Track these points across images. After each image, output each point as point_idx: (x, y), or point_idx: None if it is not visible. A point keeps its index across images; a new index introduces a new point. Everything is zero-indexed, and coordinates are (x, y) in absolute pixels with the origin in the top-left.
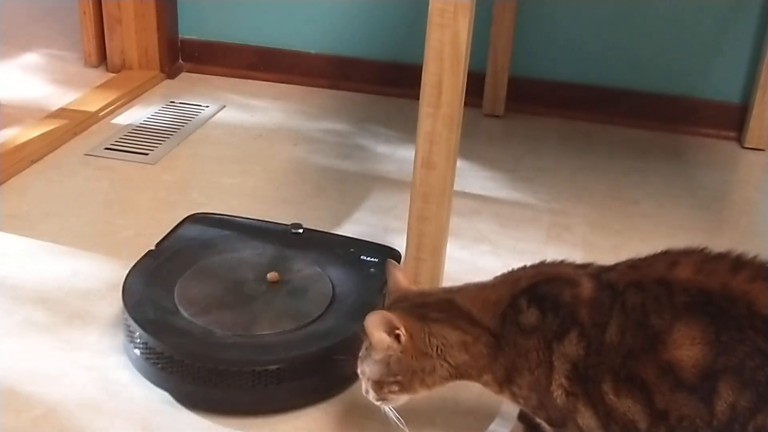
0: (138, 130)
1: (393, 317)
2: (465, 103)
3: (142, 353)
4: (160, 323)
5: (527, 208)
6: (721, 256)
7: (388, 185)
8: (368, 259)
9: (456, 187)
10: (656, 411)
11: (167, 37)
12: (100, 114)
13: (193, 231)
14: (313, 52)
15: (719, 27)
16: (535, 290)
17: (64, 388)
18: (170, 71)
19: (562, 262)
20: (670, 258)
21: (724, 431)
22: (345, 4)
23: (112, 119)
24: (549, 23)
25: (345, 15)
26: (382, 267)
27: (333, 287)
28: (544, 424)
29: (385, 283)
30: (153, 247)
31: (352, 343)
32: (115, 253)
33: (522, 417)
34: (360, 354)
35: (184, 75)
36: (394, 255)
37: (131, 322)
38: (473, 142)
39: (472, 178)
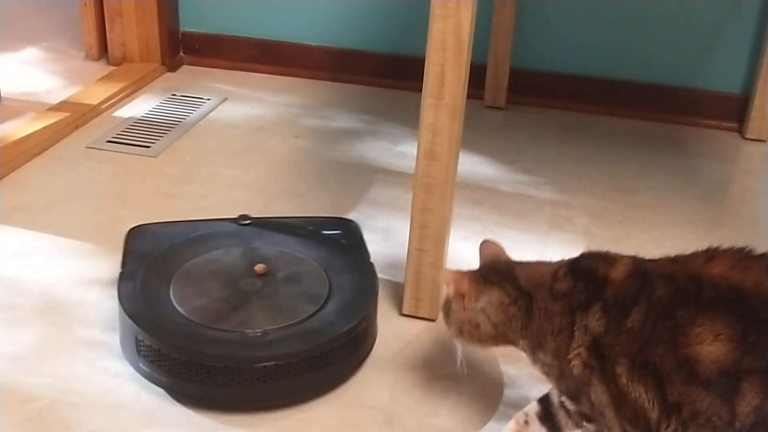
0: (139, 123)
1: (456, 277)
2: (467, 95)
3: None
4: (164, 328)
5: (529, 199)
6: (761, 256)
7: (389, 176)
8: (331, 232)
9: (458, 179)
10: (668, 403)
11: (168, 29)
12: (102, 107)
13: (147, 244)
14: (314, 44)
15: (720, 18)
16: (576, 263)
17: (66, 380)
18: (171, 64)
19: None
20: (709, 254)
21: None
22: None
23: (113, 112)
24: (550, 15)
25: (346, 7)
26: (347, 236)
27: (321, 265)
28: (566, 401)
29: (351, 247)
30: (121, 269)
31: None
32: (117, 245)
33: (542, 400)
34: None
35: (185, 68)
36: (351, 224)
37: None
38: (475, 134)
39: (473, 170)
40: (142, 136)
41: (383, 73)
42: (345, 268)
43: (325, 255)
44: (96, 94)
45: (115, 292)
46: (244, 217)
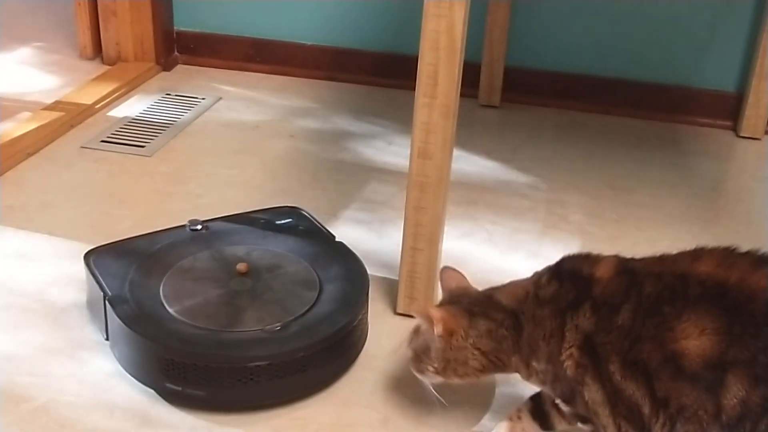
0: (134, 123)
1: (444, 316)
2: (461, 94)
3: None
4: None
5: (524, 197)
6: (745, 253)
7: (384, 175)
8: (284, 221)
9: (452, 177)
10: (656, 398)
11: (163, 28)
12: (96, 106)
13: (112, 266)
14: (309, 43)
15: (714, 16)
16: (558, 267)
17: (61, 380)
18: (166, 63)
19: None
20: (696, 253)
21: (734, 428)
22: None
23: (108, 111)
24: (544, 13)
25: (341, 6)
26: (302, 222)
27: (296, 254)
28: (561, 404)
29: (312, 231)
30: (105, 295)
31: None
32: None
33: (534, 397)
34: (414, 328)
35: (179, 67)
36: (298, 210)
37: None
38: (469, 133)
39: (468, 168)
40: (137, 135)
41: (378, 72)
42: (321, 252)
43: (294, 244)
44: (90, 94)
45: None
46: (194, 222)
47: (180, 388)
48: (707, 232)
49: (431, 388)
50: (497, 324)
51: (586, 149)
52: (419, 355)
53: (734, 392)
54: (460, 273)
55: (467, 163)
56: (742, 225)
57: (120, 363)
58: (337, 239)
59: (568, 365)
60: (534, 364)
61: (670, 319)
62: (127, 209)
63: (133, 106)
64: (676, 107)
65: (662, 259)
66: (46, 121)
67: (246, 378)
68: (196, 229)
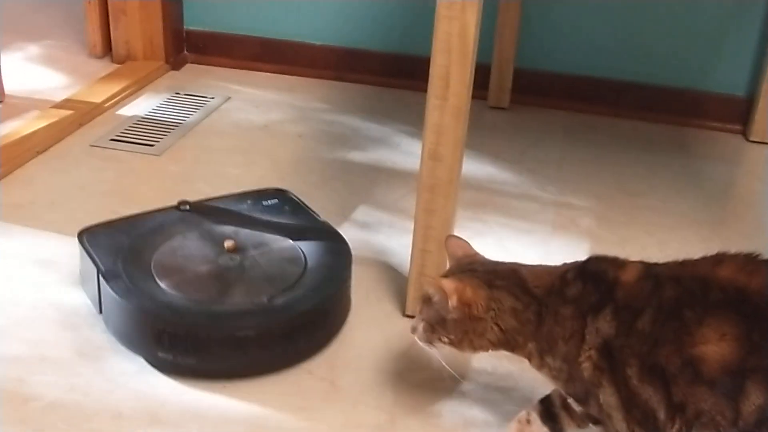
0: (143, 122)
1: (457, 287)
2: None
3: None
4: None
5: (533, 200)
6: (767, 260)
7: (393, 177)
8: (270, 202)
9: (461, 179)
10: (673, 403)
11: (172, 27)
12: (106, 105)
13: (105, 244)
14: (318, 43)
15: (725, 20)
16: (585, 266)
17: (69, 378)
18: (175, 62)
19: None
20: (717, 258)
21: None
22: None
23: (117, 110)
24: (554, 15)
25: (350, 6)
26: (287, 203)
27: (281, 233)
28: (573, 403)
29: (297, 212)
30: (98, 270)
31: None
32: None
33: (543, 400)
34: (423, 297)
35: (189, 66)
36: (284, 192)
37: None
38: (478, 134)
39: (477, 170)
40: (146, 134)
41: (387, 73)
42: (305, 229)
43: (279, 223)
44: (100, 92)
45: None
46: (183, 203)
47: (171, 357)
48: (717, 236)
49: (442, 361)
50: (524, 306)
51: (596, 152)
52: (432, 326)
53: (753, 399)
54: (465, 241)
55: (476, 165)
56: (751, 228)
57: (114, 335)
58: (321, 219)
59: (586, 367)
60: (549, 359)
61: (690, 324)
62: (136, 208)
63: (143, 105)
64: (686, 111)
65: (684, 264)
66: (56, 119)
67: (235, 347)
68: (186, 210)
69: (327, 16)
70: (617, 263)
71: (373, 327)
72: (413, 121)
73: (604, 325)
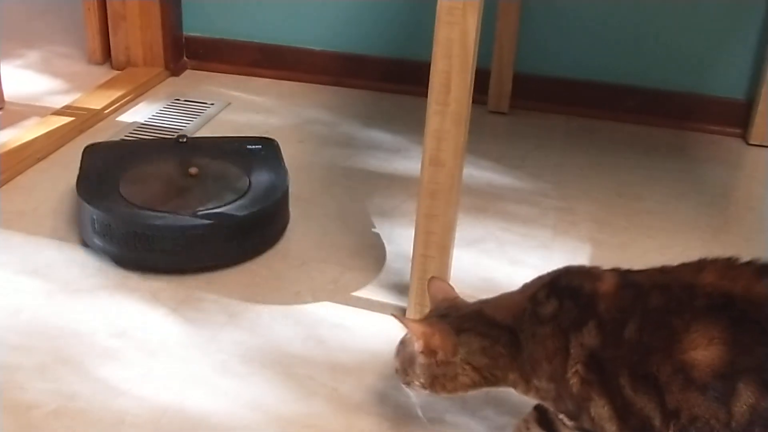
0: (143, 128)
1: (425, 332)
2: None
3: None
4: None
5: (533, 205)
6: (747, 263)
7: (393, 182)
8: (254, 146)
9: (462, 184)
10: (667, 410)
11: (172, 34)
12: (105, 111)
13: (99, 158)
14: (317, 49)
15: (724, 24)
16: (556, 283)
17: (72, 385)
18: (175, 68)
19: (584, 266)
20: (698, 264)
21: None
22: (349, 1)
23: (117, 117)
24: (554, 20)
25: (349, 12)
26: (267, 150)
27: (243, 169)
28: (565, 419)
29: (270, 157)
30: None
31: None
32: None
33: (538, 406)
34: (402, 338)
35: (188, 72)
36: (271, 141)
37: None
38: (478, 139)
39: (477, 175)
40: None
41: (387, 78)
42: (262, 170)
43: (247, 162)
44: (99, 99)
45: (123, 295)
46: (182, 136)
47: (101, 244)
48: (717, 240)
49: (416, 405)
50: (492, 341)
51: (596, 156)
52: (405, 369)
53: (744, 399)
54: (447, 284)
55: (476, 170)
56: (752, 232)
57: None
58: (285, 171)
59: (574, 383)
60: (535, 381)
61: (679, 331)
62: None
63: (142, 112)
64: (686, 114)
65: (664, 271)
66: (56, 126)
67: (183, 245)
68: (181, 142)
69: (327, 21)
70: (591, 275)
71: (374, 332)
72: (413, 126)
73: (589, 339)
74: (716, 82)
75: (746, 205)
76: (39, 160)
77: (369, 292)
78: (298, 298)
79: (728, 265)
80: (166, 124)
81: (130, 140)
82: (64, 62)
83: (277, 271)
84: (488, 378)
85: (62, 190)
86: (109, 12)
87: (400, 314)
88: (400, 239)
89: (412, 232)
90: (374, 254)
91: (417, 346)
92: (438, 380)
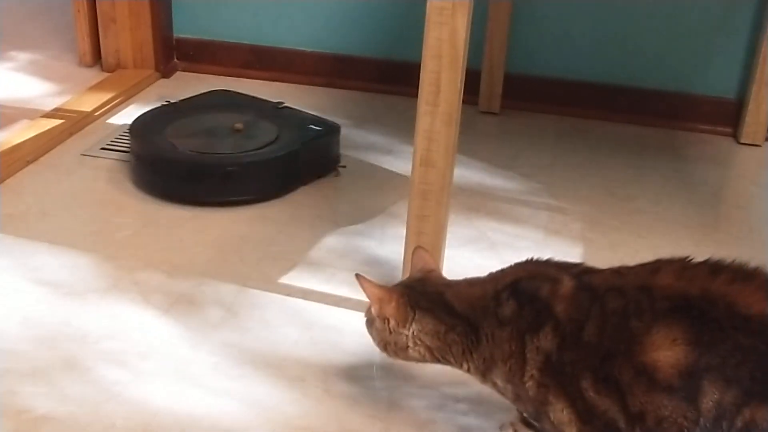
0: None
1: (382, 297)
2: (461, 101)
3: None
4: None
5: (525, 205)
6: (701, 263)
7: (385, 183)
8: (314, 127)
9: (453, 185)
10: (630, 413)
11: (162, 35)
12: (96, 114)
13: (206, 97)
14: (308, 50)
15: (715, 23)
16: (516, 285)
17: (62, 389)
18: (165, 70)
19: (548, 261)
20: (653, 266)
21: (712, 428)
22: (340, 2)
23: (107, 119)
24: (545, 20)
25: (340, 13)
26: (325, 130)
27: (280, 130)
28: (532, 420)
29: (320, 137)
30: (167, 102)
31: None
32: (114, 253)
33: None
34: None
35: (179, 74)
36: (334, 126)
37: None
38: (469, 140)
39: (469, 176)
40: None
41: (378, 79)
42: (310, 141)
43: (289, 130)
44: (90, 101)
45: (112, 299)
46: (280, 103)
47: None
48: (709, 239)
49: (378, 359)
50: (447, 328)
51: (587, 156)
52: (368, 327)
53: (710, 396)
54: (429, 256)
55: (468, 171)
56: (743, 231)
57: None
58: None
59: (530, 386)
60: (493, 377)
61: (639, 334)
62: (128, 216)
63: (133, 114)
64: (677, 114)
65: (620, 273)
66: (46, 128)
67: (221, 176)
68: (279, 108)
69: (317, 22)
70: (549, 278)
71: (366, 332)
72: (405, 127)
73: (545, 342)
74: (707, 81)
75: (737, 203)
76: (29, 162)
77: (361, 294)
78: (289, 297)
79: (683, 265)
80: None
81: (243, 95)
82: (55, 64)
83: (269, 275)
84: (439, 359)
85: (53, 192)
86: (99, 14)
87: (366, 278)
88: (391, 240)
89: (403, 233)
90: (366, 255)
91: (373, 309)
92: (390, 346)
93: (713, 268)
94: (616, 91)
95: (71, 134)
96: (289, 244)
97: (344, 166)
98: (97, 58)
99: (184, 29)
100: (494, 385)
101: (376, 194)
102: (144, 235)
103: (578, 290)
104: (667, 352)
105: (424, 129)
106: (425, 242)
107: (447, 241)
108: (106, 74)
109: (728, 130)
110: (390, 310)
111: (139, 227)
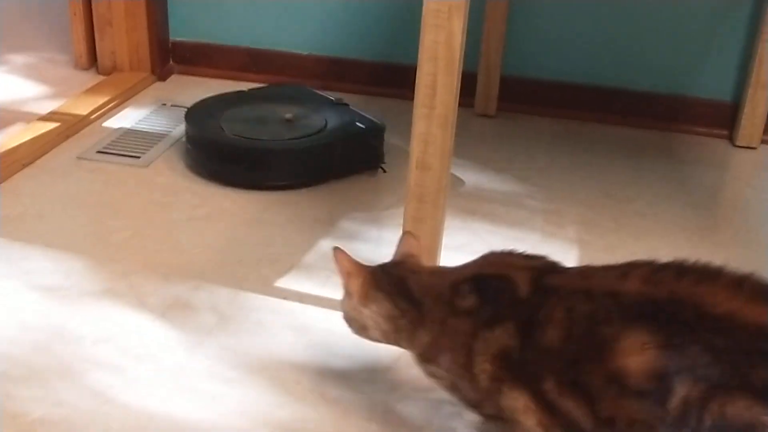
0: (130, 133)
1: (351, 272)
2: (457, 103)
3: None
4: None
5: (521, 207)
6: (667, 266)
7: (381, 186)
8: (358, 124)
9: (449, 188)
10: (600, 418)
11: (158, 38)
12: (92, 117)
13: (276, 89)
14: (304, 53)
15: (711, 25)
16: (478, 279)
17: (58, 392)
18: (161, 73)
19: (511, 254)
20: (621, 270)
21: (679, 425)
22: (336, 5)
23: (103, 122)
24: (541, 22)
25: (336, 15)
26: (367, 128)
27: (326, 123)
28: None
29: (360, 134)
30: (245, 90)
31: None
32: (110, 256)
33: None
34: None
35: (175, 77)
36: (379, 126)
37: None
38: (466, 142)
39: (465, 178)
40: (132, 146)
41: (374, 82)
42: (347, 136)
43: (337, 124)
44: (86, 104)
45: (108, 303)
46: (340, 99)
47: (210, 166)
48: (706, 241)
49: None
50: (401, 312)
51: (583, 158)
52: (341, 301)
53: (679, 395)
54: (417, 242)
55: (464, 173)
56: (740, 234)
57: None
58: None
59: (483, 378)
60: (432, 367)
61: (609, 340)
62: (124, 220)
63: (129, 117)
64: (673, 116)
65: (586, 275)
66: (42, 131)
67: (268, 159)
68: (338, 103)
69: (314, 25)
70: (510, 276)
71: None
72: (401, 129)
73: (501, 338)
74: (703, 83)
75: (733, 206)
76: (25, 166)
77: None
78: (285, 301)
79: (652, 269)
80: (153, 128)
81: (309, 89)
82: (50, 67)
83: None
84: (393, 343)
85: (49, 195)
86: (95, 16)
87: (343, 252)
88: (388, 243)
89: (399, 237)
90: (362, 258)
91: (341, 282)
92: (352, 322)
93: (679, 270)
94: (612, 93)
95: (67, 137)
96: (286, 247)
97: (384, 167)
98: (92, 60)
99: (180, 32)
100: (430, 375)
101: (372, 197)
102: (140, 237)
103: (538, 291)
104: (638, 358)
105: (420, 132)
106: (421, 245)
107: (443, 244)
108: (101, 77)
109: (724, 132)
110: (355, 286)
111: (136, 230)
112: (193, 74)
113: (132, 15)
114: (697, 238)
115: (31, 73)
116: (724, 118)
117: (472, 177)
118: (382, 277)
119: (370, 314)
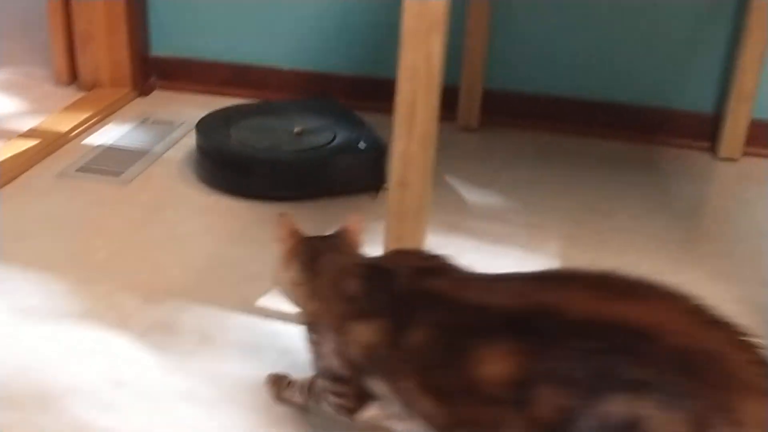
0: (110, 150)
1: (285, 237)
2: (439, 118)
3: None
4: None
5: (504, 222)
6: (532, 278)
7: (364, 203)
8: (361, 144)
9: (431, 203)
10: (456, 419)
11: (139, 54)
12: (72, 134)
13: (301, 101)
14: (286, 67)
15: (691, 38)
16: (368, 270)
17: (37, 417)
18: (143, 89)
19: (411, 252)
20: (491, 283)
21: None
22: (317, 20)
23: (83, 139)
24: (523, 36)
25: (317, 30)
26: (367, 150)
27: (334, 136)
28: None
29: (355, 153)
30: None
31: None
32: (90, 276)
33: None
34: None
35: (156, 92)
36: (379, 148)
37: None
38: (448, 157)
39: (447, 193)
40: (113, 163)
41: (356, 96)
42: (356, 154)
43: (338, 149)
44: (66, 121)
45: (89, 323)
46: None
47: (213, 177)
48: (689, 254)
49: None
50: (301, 281)
51: (566, 172)
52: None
53: (546, 403)
54: (358, 229)
55: (446, 188)
56: (722, 246)
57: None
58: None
59: (351, 361)
60: (313, 336)
61: (469, 348)
62: (105, 238)
63: (110, 133)
64: (655, 129)
65: (464, 286)
66: (21, 149)
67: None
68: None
69: (295, 40)
70: (395, 272)
71: None
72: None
73: (367, 334)
74: (684, 95)
75: (716, 218)
76: (4, 184)
77: None
78: (267, 320)
79: (523, 283)
80: (134, 145)
81: (334, 103)
82: (30, 83)
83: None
84: (300, 308)
85: (27, 215)
86: (75, 32)
87: (288, 219)
88: None
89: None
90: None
91: (274, 242)
92: (279, 284)
93: (538, 278)
94: (594, 106)
95: (47, 155)
96: (269, 264)
97: (383, 189)
98: (73, 76)
99: (161, 47)
100: (312, 342)
101: (365, 216)
102: (121, 257)
103: (412, 293)
104: (496, 366)
105: (400, 151)
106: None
107: None
108: (82, 93)
109: (706, 144)
110: (282, 249)
111: (117, 249)
112: (174, 89)
113: (113, 30)
114: (680, 252)
115: (10, 89)
116: (706, 131)
117: (454, 191)
118: (304, 247)
119: (285, 278)
